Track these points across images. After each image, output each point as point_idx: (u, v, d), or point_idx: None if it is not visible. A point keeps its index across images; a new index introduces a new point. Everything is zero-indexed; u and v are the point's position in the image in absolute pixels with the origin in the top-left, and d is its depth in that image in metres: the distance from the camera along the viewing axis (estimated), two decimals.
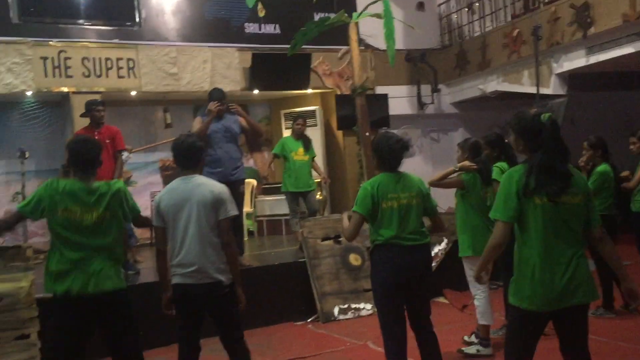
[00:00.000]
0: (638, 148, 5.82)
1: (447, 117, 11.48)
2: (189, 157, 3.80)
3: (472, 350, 4.89)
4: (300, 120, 7.86)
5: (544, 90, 8.94)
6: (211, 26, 9.27)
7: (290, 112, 10.15)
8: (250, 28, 9.54)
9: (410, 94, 11.16)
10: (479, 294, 4.91)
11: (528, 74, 9.29)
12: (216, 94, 6.35)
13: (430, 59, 11.04)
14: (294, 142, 7.68)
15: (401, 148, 3.86)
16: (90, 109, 6.52)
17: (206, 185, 3.77)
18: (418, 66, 11.02)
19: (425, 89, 11.16)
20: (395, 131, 10.38)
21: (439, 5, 11.43)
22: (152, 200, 9.49)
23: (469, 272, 4.95)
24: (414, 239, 3.82)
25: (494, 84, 10.11)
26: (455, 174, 4.96)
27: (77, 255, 3.48)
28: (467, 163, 4.94)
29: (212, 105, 6.18)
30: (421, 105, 11.11)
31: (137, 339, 3.72)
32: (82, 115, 6.81)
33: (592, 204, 3.05)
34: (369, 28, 9.69)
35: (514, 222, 2.95)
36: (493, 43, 9.85)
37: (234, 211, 3.78)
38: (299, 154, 7.63)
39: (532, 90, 9.06)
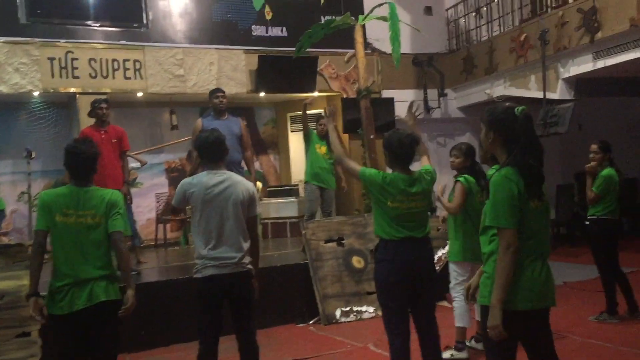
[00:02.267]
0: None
1: (454, 122, 11.45)
2: (215, 151, 3.97)
3: (446, 355, 4.76)
4: (323, 120, 8.09)
5: (551, 95, 8.91)
6: (218, 28, 9.30)
7: (296, 115, 10.15)
8: (257, 30, 9.56)
9: (417, 98, 11.13)
10: (457, 297, 4.95)
11: (535, 78, 9.26)
12: (214, 89, 6.78)
13: (437, 63, 11.03)
14: (318, 139, 7.94)
15: (411, 142, 3.86)
16: (94, 106, 6.58)
17: (242, 183, 3.98)
18: (425, 70, 11.01)
19: (432, 93, 11.14)
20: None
21: (447, 9, 11.41)
22: (157, 202, 9.53)
23: (454, 274, 5.02)
24: (415, 234, 3.84)
25: (500, 89, 10.08)
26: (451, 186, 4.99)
27: (72, 269, 3.43)
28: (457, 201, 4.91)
29: None
30: (428, 109, 11.08)
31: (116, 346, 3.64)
32: (88, 114, 6.86)
33: None
34: (376, 32, 9.71)
35: (517, 226, 2.73)
36: (500, 47, 9.82)
37: (259, 209, 4.21)
38: (322, 150, 7.85)
39: (539, 95, 9.02)
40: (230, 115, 6.79)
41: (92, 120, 6.73)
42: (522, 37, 9.19)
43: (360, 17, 7.63)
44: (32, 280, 3.47)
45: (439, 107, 11.15)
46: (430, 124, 11.22)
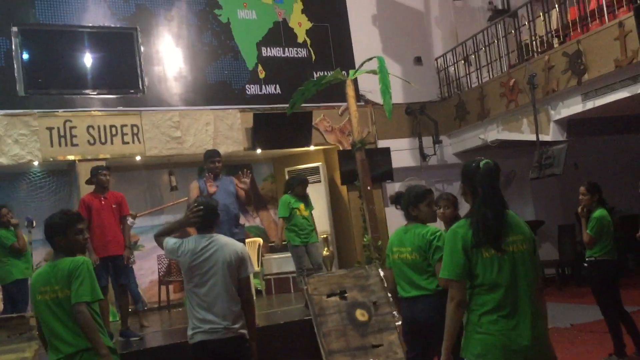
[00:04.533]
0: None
1: (450, 168, 11.51)
2: (208, 218, 3.99)
3: None
4: (306, 184, 8.04)
5: (544, 137, 9.01)
6: (213, 89, 9.48)
7: (294, 170, 10.25)
8: (251, 89, 9.74)
9: (413, 146, 11.27)
10: None
11: (527, 122, 9.38)
12: (209, 153, 6.70)
13: (430, 111, 11.20)
14: (295, 201, 7.85)
15: (408, 195, 4.25)
16: (96, 173, 6.67)
17: (230, 245, 3.96)
18: (418, 119, 11.16)
19: (427, 140, 11.27)
20: (399, 184, 10.52)
21: (436, 59, 11.65)
22: (159, 263, 9.51)
23: None
24: (412, 291, 4.06)
25: (494, 133, 10.20)
26: None
27: (58, 344, 3.40)
28: None
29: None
30: (424, 157, 11.20)
31: None
32: (87, 182, 6.95)
33: (537, 253, 2.95)
34: (368, 84, 9.89)
35: (464, 279, 2.80)
36: (491, 93, 9.98)
37: (252, 269, 4.03)
38: (301, 209, 7.81)
39: (532, 137, 9.13)
40: (224, 175, 6.90)
41: (91, 187, 6.82)
42: (511, 82, 9.35)
43: (351, 71, 7.80)
44: None
45: (434, 154, 11.26)
46: (427, 171, 11.31)
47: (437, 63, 11.67)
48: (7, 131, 7.87)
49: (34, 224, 8.09)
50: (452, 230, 2.91)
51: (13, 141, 7.90)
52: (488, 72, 10.48)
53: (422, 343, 4.12)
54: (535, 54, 9.29)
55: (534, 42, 9.45)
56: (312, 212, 8.05)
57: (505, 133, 9.93)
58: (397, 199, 4.53)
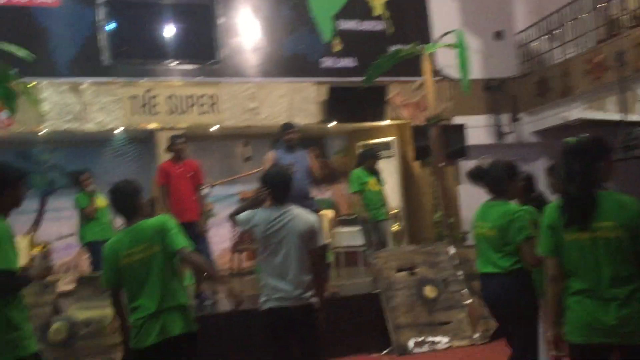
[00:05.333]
0: None
1: (528, 147, 11.18)
2: (282, 188, 4.01)
3: None
4: (377, 159, 8.00)
5: (631, 117, 8.58)
6: (289, 62, 9.54)
7: (367, 144, 10.21)
8: (327, 62, 9.74)
9: (489, 123, 11.00)
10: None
11: (613, 100, 8.95)
12: (286, 126, 6.67)
13: (509, 87, 10.87)
14: (367, 175, 7.80)
15: (489, 169, 4.13)
16: (172, 142, 6.87)
17: (302, 216, 3.99)
18: (497, 95, 10.86)
19: (505, 118, 10.97)
20: (473, 161, 10.30)
21: (517, 33, 11.26)
22: (232, 231, 9.74)
23: None
24: (487, 267, 4.01)
25: (577, 112, 9.80)
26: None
27: (144, 308, 3.47)
28: None
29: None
30: (500, 134, 10.91)
31: None
32: (167, 149, 7.17)
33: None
34: (447, 58, 9.67)
35: (554, 255, 2.90)
36: (575, 70, 9.58)
37: (323, 240, 4.09)
38: (372, 184, 7.75)
39: (618, 117, 8.72)
40: (299, 149, 6.92)
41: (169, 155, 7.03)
42: (598, 59, 8.94)
43: (429, 45, 7.66)
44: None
45: (511, 132, 10.95)
46: (503, 150, 10.99)
47: (518, 38, 11.27)
48: (94, 99, 8.23)
49: None
50: (548, 208, 3.01)
51: (98, 108, 8.25)
52: (573, 47, 10.04)
53: (500, 321, 4.18)
54: (626, 29, 8.82)
55: (624, 16, 8.96)
56: (383, 187, 7.98)
57: (589, 112, 9.52)
58: (476, 174, 4.23)
